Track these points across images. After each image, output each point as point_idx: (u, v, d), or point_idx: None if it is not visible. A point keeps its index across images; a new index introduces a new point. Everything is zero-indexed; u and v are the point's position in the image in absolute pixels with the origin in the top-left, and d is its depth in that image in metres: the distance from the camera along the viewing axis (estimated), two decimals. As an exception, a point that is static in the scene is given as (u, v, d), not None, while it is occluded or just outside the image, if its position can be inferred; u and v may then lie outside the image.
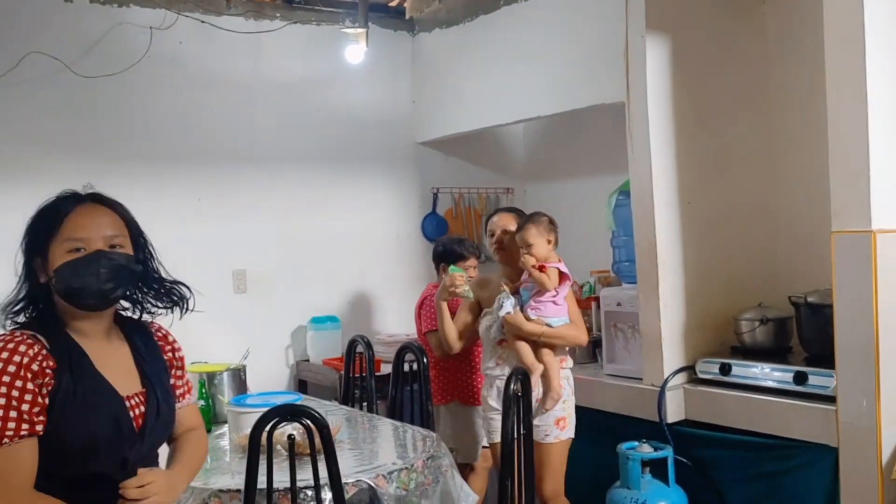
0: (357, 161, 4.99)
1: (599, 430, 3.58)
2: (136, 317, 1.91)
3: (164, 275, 1.91)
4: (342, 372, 4.18)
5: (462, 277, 3.30)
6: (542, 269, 3.20)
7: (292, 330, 4.83)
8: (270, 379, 4.62)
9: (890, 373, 2.70)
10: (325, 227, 4.87)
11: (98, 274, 1.73)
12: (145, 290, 1.88)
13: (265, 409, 2.32)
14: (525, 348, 3.21)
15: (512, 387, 2.82)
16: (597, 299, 4.02)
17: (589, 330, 3.98)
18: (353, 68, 4.80)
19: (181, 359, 2.00)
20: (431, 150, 5.27)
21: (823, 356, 2.98)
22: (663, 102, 3.40)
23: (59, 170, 3.97)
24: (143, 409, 1.79)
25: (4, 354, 1.65)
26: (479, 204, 5.43)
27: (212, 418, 3.30)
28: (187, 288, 1.94)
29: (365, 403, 3.85)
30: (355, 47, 4.59)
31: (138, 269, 1.83)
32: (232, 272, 4.60)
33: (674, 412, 3.37)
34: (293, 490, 2.29)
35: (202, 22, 4.45)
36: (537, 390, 3.19)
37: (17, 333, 1.71)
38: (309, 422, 2.28)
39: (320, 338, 4.71)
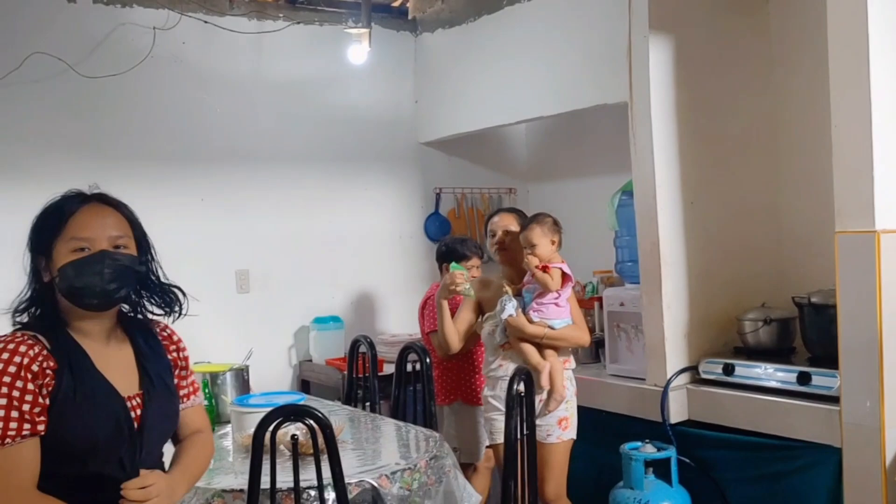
0: (360, 161, 4.99)
1: (602, 431, 3.58)
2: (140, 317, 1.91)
3: (162, 277, 1.90)
4: (345, 372, 4.18)
5: (462, 275, 3.30)
6: (545, 269, 3.20)
7: (295, 330, 4.83)
8: (273, 379, 4.63)
9: (894, 373, 2.69)
10: (328, 227, 4.87)
11: (102, 274, 1.73)
12: (143, 291, 1.88)
13: (268, 409, 2.31)
14: (530, 349, 3.21)
15: (515, 387, 2.82)
16: (600, 299, 4.02)
17: (592, 330, 3.99)
18: (356, 68, 4.80)
19: (186, 359, 1.99)
20: (434, 150, 5.27)
21: (827, 356, 2.97)
22: (666, 102, 3.40)
23: (63, 170, 3.98)
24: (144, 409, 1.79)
25: (5, 355, 1.65)
26: (481, 204, 5.43)
27: (215, 418, 3.30)
28: (182, 293, 1.92)
29: (368, 403, 3.85)
30: (358, 47, 4.60)
31: (142, 270, 1.83)
32: (235, 272, 4.60)
33: (677, 412, 3.37)
34: (296, 490, 2.29)
35: (205, 22, 4.46)
36: (544, 393, 3.20)
37: (18, 334, 1.71)
38: (312, 422, 2.28)
39: (323, 338, 4.71)
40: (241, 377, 3.56)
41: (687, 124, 3.45)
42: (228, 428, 3.16)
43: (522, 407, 2.89)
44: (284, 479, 2.32)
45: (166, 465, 1.90)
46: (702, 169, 3.50)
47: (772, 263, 3.70)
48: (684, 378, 3.41)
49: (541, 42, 4.30)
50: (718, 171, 3.56)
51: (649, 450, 3.28)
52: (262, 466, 2.24)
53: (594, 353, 3.99)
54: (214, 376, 3.46)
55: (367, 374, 3.92)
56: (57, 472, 1.68)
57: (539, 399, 3.19)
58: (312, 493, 2.32)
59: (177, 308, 1.91)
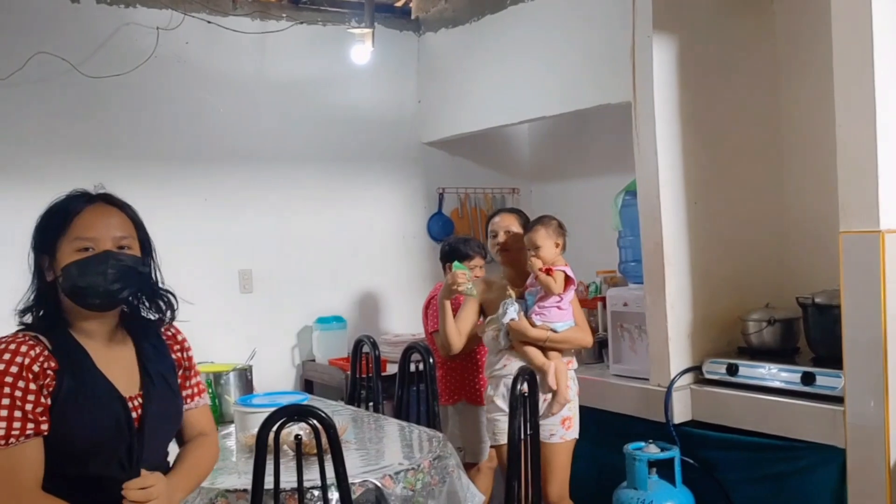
0: (363, 161, 4.99)
1: (606, 431, 3.58)
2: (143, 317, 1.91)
3: (160, 281, 1.89)
4: (348, 372, 4.18)
5: (464, 275, 3.29)
6: (548, 272, 3.19)
7: (298, 330, 4.83)
8: (276, 379, 4.63)
9: (898, 373, 2.69)
10: (331, 226, 4.87)
11: (105, 274, 1.72)
12: (141, 294, 1.87)
13: (272, 410, 2.32)
14: (534, 351, 3.21)
15: (518, 387, 2.82)
16: (603, 299, 4.01)
17: (595, 330, 3.99)
18: (359, 68, 4.81)
19: (190, 359, 1.98)
20: (437, 150, 5.27)
21: (831, 357, 2.97)
22: (670, 102, 3.39)
23: (66, 169, 3.99)
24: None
25: (6, 356, 1.65)
26: (484, 204, 5.42)
27: (218, 418, 3.30)
28: (175, 298, 1.90)
29: (371, 404, 3.85)
30: (361, 47, 4.60)
31: (146, 272, 1.83)
32: (238, 272, 4.60)
33: (680, 413, 3.36)
34: (300, 490, 2.29)
35: (208, 22, 4.46)
36: (548, 394, 3.20)
37: (20, 335, 1.71)
38: (316, 422, 2.28)
39: (326, 338, 4.71)
40: (245, 377, 3.57)
41: (690, 124, 3.44)
42: (232, 428, 3.16)
43: (526, 407, 2.89)
44: (288, 479, 2.32)
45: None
46: (705, 169, 3.49)
47: (776, 263, 3.70)
48: (688, 378, 3.41)
49: (544, 42, 4.30)
50: (722, 171, 3.55)
51: (653, 450, 3.28)
52: (265, 466, 2.24)
53: (597, 353, 3.98)
54: (218, 376, 3.47)
55: (370, 374, 3.93)
56: (58, 472, 1.68)
57: (543, 399, 3.19)
58: (316, 493, 2.32)
59: (168, 314, 1.89)
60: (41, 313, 1.78)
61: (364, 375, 3.98)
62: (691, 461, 3.33)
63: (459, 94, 4.90)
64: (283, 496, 2.30)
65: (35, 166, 3.99)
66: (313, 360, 4.78)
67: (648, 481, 3.24)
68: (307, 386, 4.79)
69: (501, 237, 3.42)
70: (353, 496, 2.35)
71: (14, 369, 1.63)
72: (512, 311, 3.20)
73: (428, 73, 5.15)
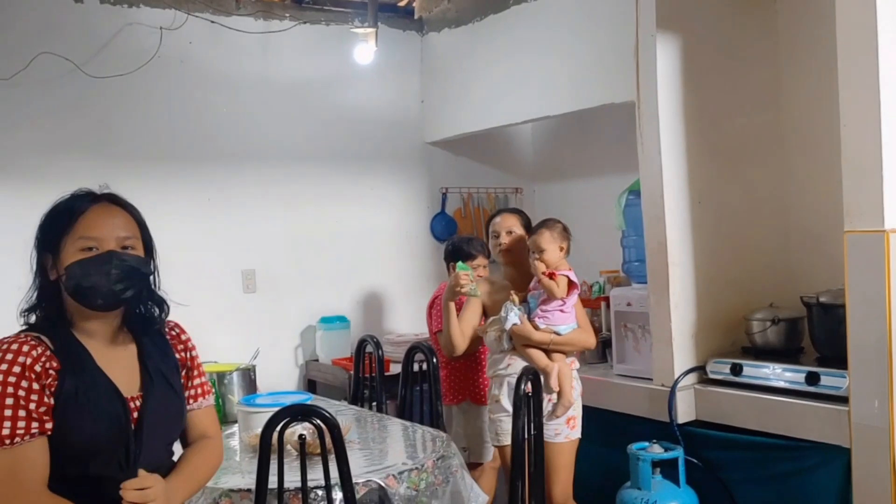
0: (366, 161, 4.99)
1: (609, 431, 3.58)
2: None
3: (159, 285, 1.88)
4: (352, 372, 4.18)
5: (467, 276, 3.28)
6: (551, 276, 3.19)
7: (302, 329, 4.83)
8: (280, 379, 4.63)
9: (903, 373, 2.68)
10: (334, 226, 4.87)
11: (109, 274, 1.72)
12: (143, 294, 1.86)
13: (276, 409, 2.31)
14: (537, 353, 3.21)
15: (523, 387, 2.81)
16: (606, 299, 4.01)
17: (598, 330, 3.99)
18: (362, 68, 4.80)
19: (193, 359, 1.96)
20: (440, 149, 5.27)
21: (835, 357, 2.96)
22: (674, 101, 3.39)
23: (69, 169, 3.99)
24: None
25: (9, 356, 1.65)
26: (487, 203, 5.42)
27: (222, 418, 3.30)
28: (167, 304, 1.89)
29: (374, 403, 3.85)
30: (364, 47, 4.60)
31: (149, 272, 1.83)
32: (241, 272, 4.60)
33: (684, 413, 3.36)
34: (304, 490, 2.29)
35: (212, 22, 4.46)
36: (553, 395, 3.19)
37: (22, 336, 1.71)
38: (319, 421, 2.27)
39: (330, 337, 4.71)
40: (248, 377, 3.57)
41: (694, 123, 3.44)
42: (235, 427, 3.16)
43: (530, 407, 2.88)
44: (292, 479, 2.32)
45: None
46: (709, 168, 3.49)
47: (780, 263, 3.69)
48: (692, 378, 3.40)
49: (547, 41, 4.29)
50: (726, 171, 3.55)
51: (657, 450, 3.27)
52: (269, 466, 2.24)
53: (601, 353, 3.98)
54: (221, 376, 3.47)
55: (373, 374, 3.92)
56: (59, 472, 1.68)
57: (548, 399, 3.19)
58: (320, 492, 2.32)
59: (159, 317, 1.88)
60: (43, 312, 1.77)
61: (367, 375, 3.98)
62: (695, 461, 3.32)
63: (462, 94, 4.89)
64: (286, 496, 2.29)
65: (38, 166, 3.99)
66: (317, 360, 4.78)
67: (652, 481, 3.23)
68: (310, 386, 4.79)
69: (504, 238, 3.41)
70: (357, 496, 2.34)
71: (17, 369, 1.63)
72: (514, 317, 3.19)
73: (431, 72, 5.15)
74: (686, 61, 3.41)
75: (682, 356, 3.40)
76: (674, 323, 3.37)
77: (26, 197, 3.60)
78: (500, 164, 5.50)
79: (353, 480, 2.32)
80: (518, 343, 3.24)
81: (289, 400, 2.82)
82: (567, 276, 3.20)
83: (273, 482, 2.25)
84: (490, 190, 5.44)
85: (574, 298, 3.28)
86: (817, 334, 3.19)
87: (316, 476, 2.33)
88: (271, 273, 4.67)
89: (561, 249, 3.25)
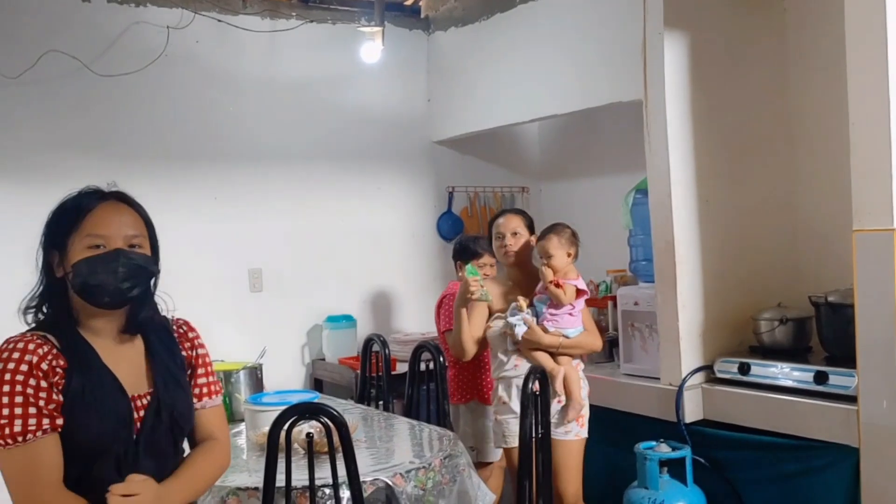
0: (373, 160, 4.99)
1: (617, 430, 3.57)
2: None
3: (158, 286, 1.87)
4: (358, 371, 4.18)
5: (476, 282, 3.26)
6: (558, 284, 3.18)
7: (308, 328, 4.83)
8: (286, 377, 4.63)
9: (912, 373, 2.67)
10: (340, 225, 4.87)
11: (116, 272, 1.71)
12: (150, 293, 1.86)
13: (283, 408, 2.31)
14: (544, 357, 3.20)
15: (530, 385, 2.81)
16: (613, 298, 4.00)
17: (605, 329, 3.98)
18: (369, 67, 4.81)
19: (200, 357, 1.95)
20: (447, 148, 5.26)
21: (844, 356, 2.95)
22: (681, 100, 3.38)
23: (76, 167, 3.99)
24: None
25: (16, 354, 1.64)
26: (494, 202, 5.41)
27: (229, 417, 3.30)
28: (164, 307, 1.89)
29: (381, 402, 3.84)
30: (371, 46, 4.60)
31: (156, 271, 1.82)
32: (248, 271, 4.61)
33: (692, 412, 3.35)
34: (311, 488, 2.29)
35: (219, 21, 4.47)
36: (562, 397, 3.19)
37: (28, 335, 1.70)
38: (327, 420, 2.27)
39: (336, 336, 4.72)
40: (255, 376, 3.56)
41: (702, 122, 3.43)
42: (242, 426, 3.17)
43: (537, 407, 2.88)
44: (299, 478, 2.32)
45: None
46: (717, 167, 3.47)
47: (788, 262, 3.68)
48: (699, 377, 3.39)
49: (554, 40, 4.29)
50: (734, 169, 3.54)
51: (664, 449, 3.27)
52: (276, 465, 2.24)
53: (608, 352, 3.97)
54: (228, 375, 3.46)
55: (380, 373, 3.92)
56: (66, 471, 1.67)
57: (557, 401, 3.18)
58: (327, 491, 2.32)
59: (163, 317, 1.88)
60: (49, 310, 1.77)
61: (374, 374, 3.97)
62: (703, 461, 3.31)
63: (469, 93, 4.89)
64: (294, 494, 2.29)
65: (45, 164, 4.00)
66: (323, 359, 4.78)
67: (659, 481, 3.22)
68: (317, 385, 4.79)
69: (509, 239, 3.40)
70: (364, 495, 2.34)
71: (24, 367, 1.63)
72: (521, 327, 3.19)
73: (437, 71, 5.15)
74: (694, 60, 3.40)
75: (690, 355, 3.39)
76: (681, 322, 3.36)
77: (33, 195, 3.61)
78: (506, 163, 5.49)
79: (361, 479, 2.32)
80: (526, 346, 3.23)
81: (296, 399, 2.82)
82: (575, 286, 3.20)
83: (281, 480, 2.25)
84: (497, 189, 5.44)
85: (582, 304, 3.28)
86: (825, 334, 3.18)
87: (323, 474, 2.33)
88: (278, 272, 4.68)
89: (569, 255, 3.24)
